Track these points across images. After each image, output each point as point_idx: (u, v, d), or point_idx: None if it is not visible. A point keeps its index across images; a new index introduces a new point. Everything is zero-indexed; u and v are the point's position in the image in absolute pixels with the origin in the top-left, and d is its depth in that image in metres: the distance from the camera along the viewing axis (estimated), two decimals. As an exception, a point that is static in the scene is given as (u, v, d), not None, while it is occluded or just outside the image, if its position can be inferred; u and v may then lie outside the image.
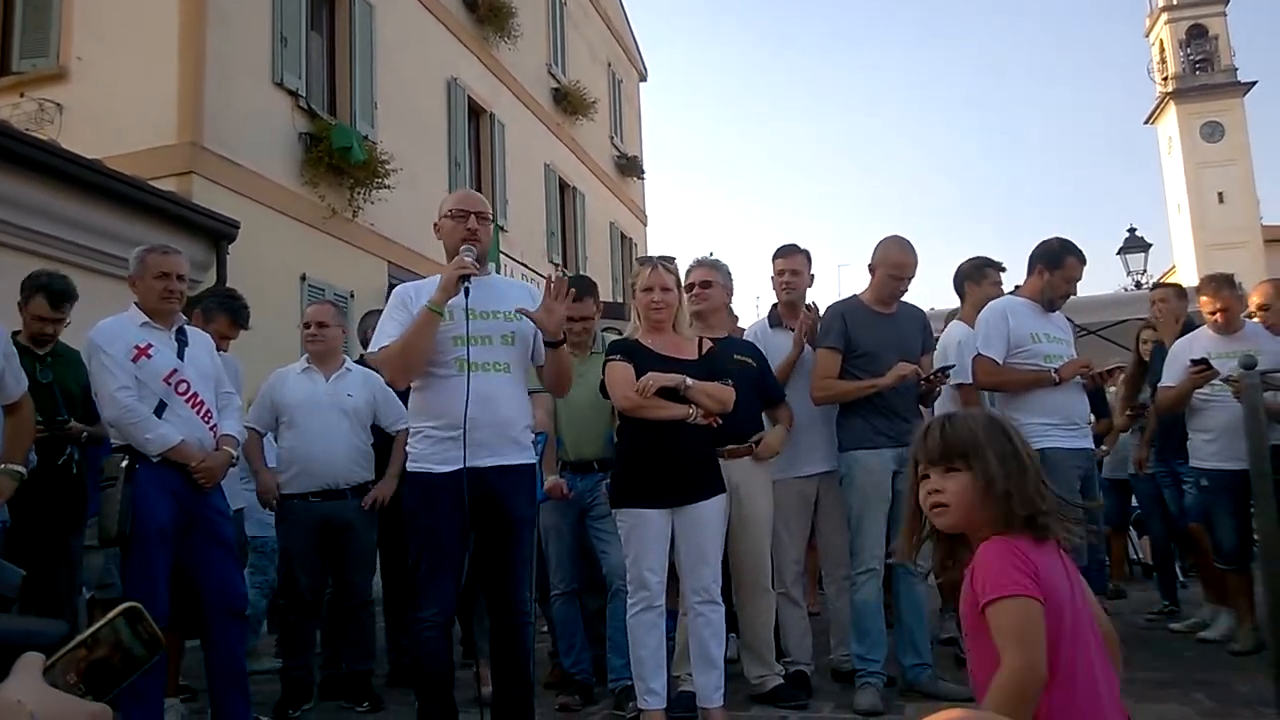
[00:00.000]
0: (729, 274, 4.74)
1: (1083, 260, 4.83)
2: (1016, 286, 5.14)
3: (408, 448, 3.57)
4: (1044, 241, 4.86)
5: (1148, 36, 43.71)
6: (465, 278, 3.34)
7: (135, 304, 4.04)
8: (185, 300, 4.18)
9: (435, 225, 3.65)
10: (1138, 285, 13.97)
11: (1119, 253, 14.66)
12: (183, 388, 3.95)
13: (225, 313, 4.70)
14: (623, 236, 19.28)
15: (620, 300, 16.51)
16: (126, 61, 8.52)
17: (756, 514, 4.43)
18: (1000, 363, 4.69)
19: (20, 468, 3.75)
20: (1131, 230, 14.79)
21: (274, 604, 5.47)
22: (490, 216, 3.68)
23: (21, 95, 8.73)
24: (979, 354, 4.73)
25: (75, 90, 8.66)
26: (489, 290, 3.50)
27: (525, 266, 12.62)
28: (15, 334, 4.36)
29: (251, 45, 9.16)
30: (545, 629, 5.17)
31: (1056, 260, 4.76)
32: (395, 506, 5.23)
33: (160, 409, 3.88)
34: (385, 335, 3.45)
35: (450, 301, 3.37)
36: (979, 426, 1.89)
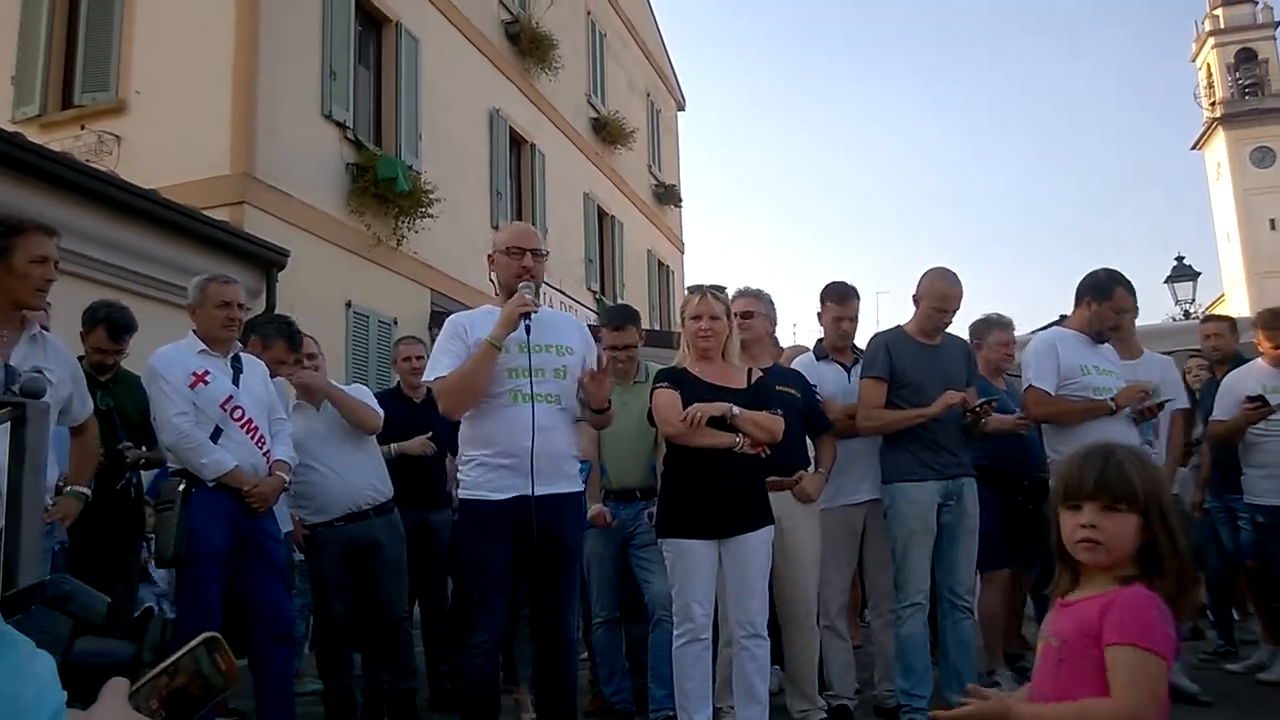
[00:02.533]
0: (771, 304, 4.76)
1: (1132, 291, 4.80)
2: (1062, 316, 5.13)
3: (460, 475, 3.64)
4: (1092, 272, 4.82)
5: (1194, 61, 43.29)
6: (526, 314, 3.42)
7: (193, 331, 4.14)
8: (242, 328, 4.28)
9: (489, 257, 3.73)
10: (1186, 315, 13.80)
11: (1166, 281, 14.49)
12: (238, 414, 4.04)
13: (283, 338, 4.78)
14: (660, 264, 19.35)
15: (658, 328, 16.58)
16: (182, 95, 8.74)
17: (800, 547, 4.40)
18: (1052, 394, 4.65)
19: (85, 490, 3.83)
20: (1179, 259, 14.59)
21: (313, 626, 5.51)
22: (545, 252, 3.74)
23: (82, 128, 8.98)
24: (1030, 385, 4.69)
25: (133, 123, 8.89)
26: (541, 324, 3.57)
27: (564, 294, 12.70)
28: (80, 359, 4.49)
29: (302, 79, 9.36)
30: (585, 657, 5.18)
31: (1105, 291, 4.71)
32: (429, 531, 5.31)
33: (216, 434, 3.98)
34: (441, 366, 3.52)
35: (512, 336, 3.45)
36: (1148, 470, 1.82)
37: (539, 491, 3.44)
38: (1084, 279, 4.82)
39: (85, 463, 3.82)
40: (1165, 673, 1.70)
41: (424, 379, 3.64)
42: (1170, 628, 1.71)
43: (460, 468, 3.64)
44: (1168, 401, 4.81)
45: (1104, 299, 4.71)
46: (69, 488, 3.71)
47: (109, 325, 4.52)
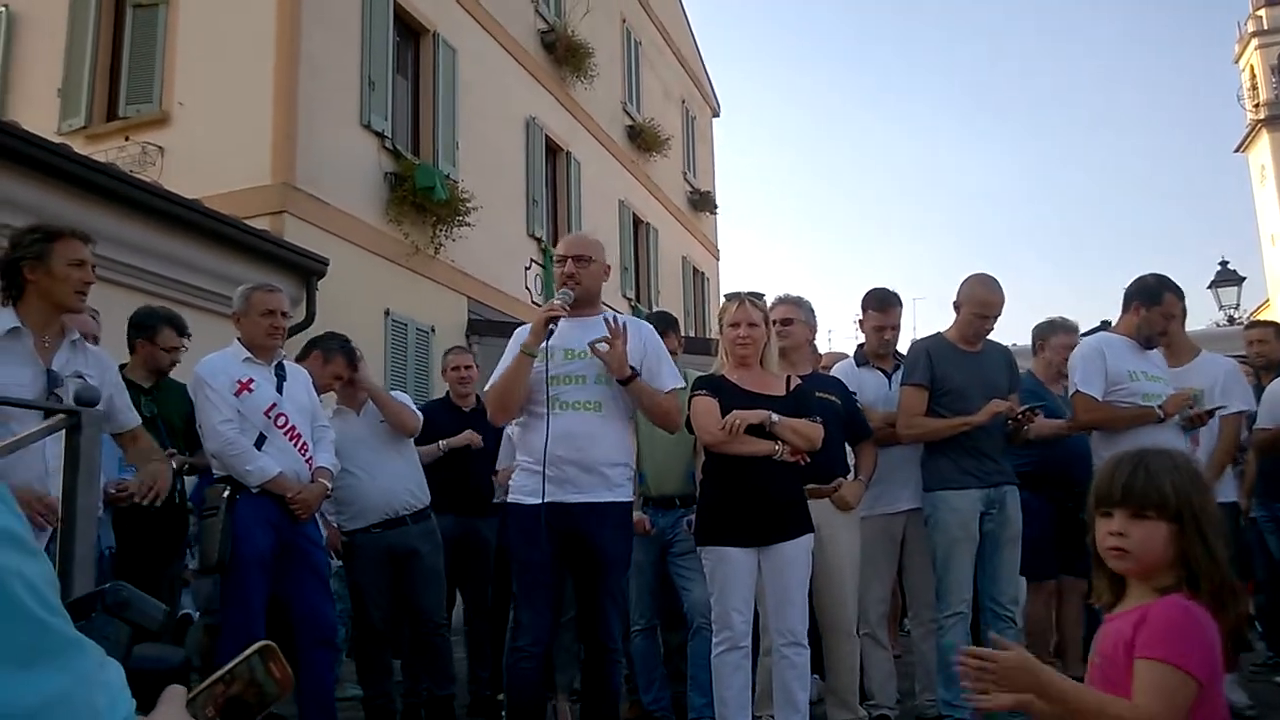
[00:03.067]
0: (811, 310, 4.74)
1: (1181, 297, 4.71)
2: (1105, 322, 5.06)
3: (510, 480, 3.69)
4: (1140, 278, 4.74)
5: (1237, 63, 42.63)
6: (552, 320, 3.44)
7: (238, 339, 4.20)
8: (285, 335, 4.34)
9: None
10: (1230, 321, 13.58)
11: (1210, 286, 14.24)
12: (281, 421, 4.09)
13: (343, 355, 4.85)
14: (695, 271, 19.33)
15: (693, 335, 16.56)
16: (224, 106, 8.85)
17: (840, 555, 4.38)
18: (1099, 399, 4.56)
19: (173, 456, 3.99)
20: (1223, 263, 14.34)
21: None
22: (590, 258, 3.75)
23: (127, 139, 9.12)
24: (1078, 390, 4.60)
25: (176, 134, 9.02)
26: (590, 330, 3.59)
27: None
28: (122, 367, 4.56)
29: (341, 89, 9.46)
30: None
31: (1154, 297, 4.63)
32: (477, 538, 5.34)
33: (260, 441, 4.03)
34: (495, 375, 3.61)
35: (548, 343, 3.47)
36: (1184, 476, 1.77)
37: (573, 499, 3.49)
38: (1132, 284, 4.74)
39: (149, 460, 3.74)
40: (1191, 688, 1.64)
41: (484, 389, 3.71)
42: (1208, 640, 1.67)
43: (514, 473, 3.71)
44: (1218, 409, 4.69)
45: (1153, 304, 4.63)
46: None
47: (175, 324, 4.62)
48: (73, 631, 0.71)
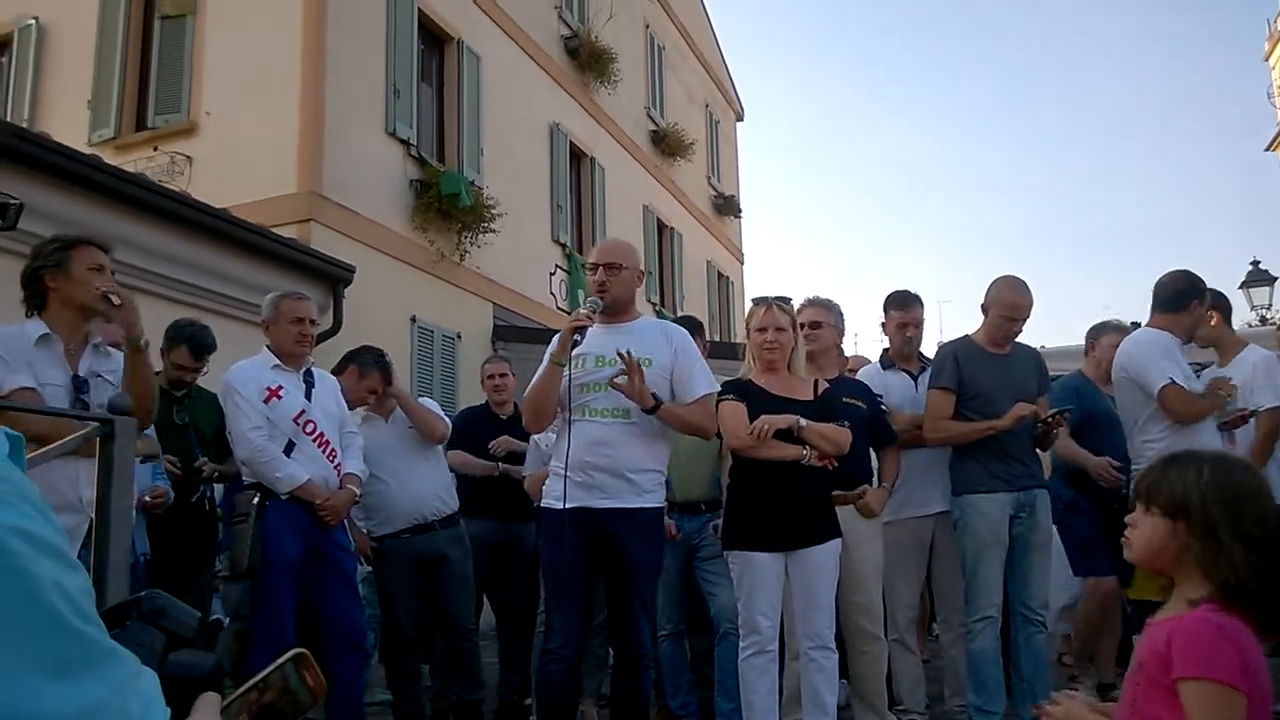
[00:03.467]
0: (840, 314, 4.72)
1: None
2: (1135, 324, 5.00)
3: (544, 486, 3.73)
4: (1190, 276, 4.57)
5: (1267, 60, 42.20)
6: (578, 329, 3.46)
7: (267, 347, 4.23)
8: (314, 344, 4.38)
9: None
10: (1262, 321, 13.42)
11: (1241, 287, 14.08)
12: (310, 428, 4.12)
13: (379, 370, 4.90)
14: (720, 275, 19.31)
15: (718, 339, 16.54)
16: (251, 115, 8.94)
17: (864, 560, 4.35)
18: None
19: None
20: (1255, 263, 14.17)
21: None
22: (621, 265, 3.76)
23: (155, 149, 9.23)
24: (1172, 382, 4.30)
25: (204, 143, 9.12)
26: (622, 336, 3.61)
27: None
28: (155, 374, 4.61)
29: (366, 98, 9.53)
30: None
31: (1203, 296, 4.52)
32: (515, 543, 5.36)
33: (289, 448, 4.07)
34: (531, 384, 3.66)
35: (579, 350, 3.48)
36: (1202, 480, 1.77)
37: (600, 504, 3.52)
38: (1184, 283, 4.54)
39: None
40: (1239, 701, 1.62)
41: (524, 396, 3.74)
42: (1240, 649, 1.65)
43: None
44: (1252, 411, 4.60)
45: (1202, 303, 4.52)
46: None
47: (192, 344, 4.64)
48: (108, 641, 0.72)
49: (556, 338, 3.76)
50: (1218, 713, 1.63)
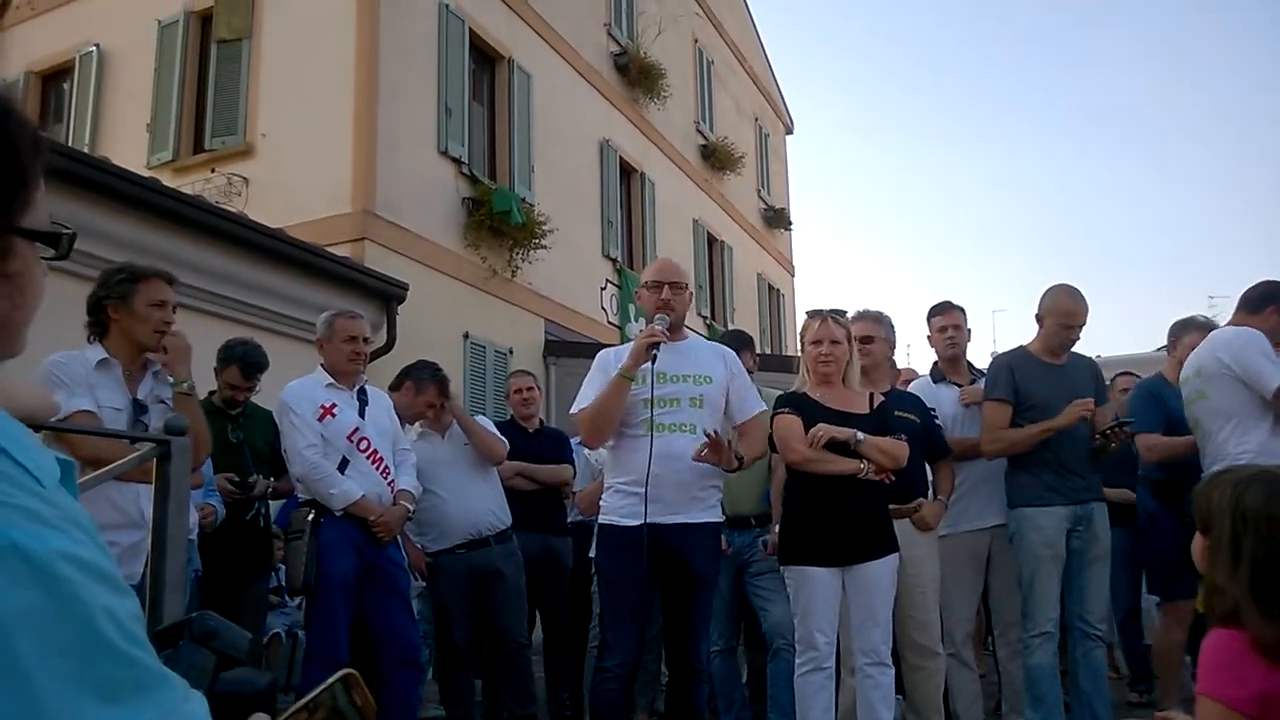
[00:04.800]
0: (891, 326, 4.68)
1: None
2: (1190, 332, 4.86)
3: (601, 501, 3.74)
4: (1275, 282, 4.37)
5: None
6: (654, 345, 3.47)
7: (321, 365, 4.29)
8: (367, 361, 4.43)
9: (636, 294, 3.83)
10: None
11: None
12: (364, 445, 4.17)
13: (435, 384, 4.95)
14: (770, 288, 19.24)
15: (769, 352, 16.47)
16: (306, 136, 9.10)
17: (921, 575, 4.31)
18: None
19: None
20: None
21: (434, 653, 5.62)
22: (684, 285, 3.79)
23: (212, 171, 9.42)
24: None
25: (260, 165, 9.29)
26: (680, 354, 3.64)
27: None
28: (210, 394, 4.69)
29: (419, 117, 9.64)
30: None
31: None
32: (553, 557, 5.37)
33: (343, 465, 4.11)
34: (585, 398, 3.66)
35: (643, 367, 3.49)
36: (1228, 495, 1.77)
37: (665, 520, 3.51)
38: (1267, 286, 4.35)
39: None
40: (1227, 717, 1.62)
41: (571, 411, 3.75)
42: (1241, 668, 1.64)
43: (604, 494, 3.74)
44: None
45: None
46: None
47: (243, 364, 4.71)
48: (158, 665, 0.73)
49: (609, 351, 3.79)
50: None
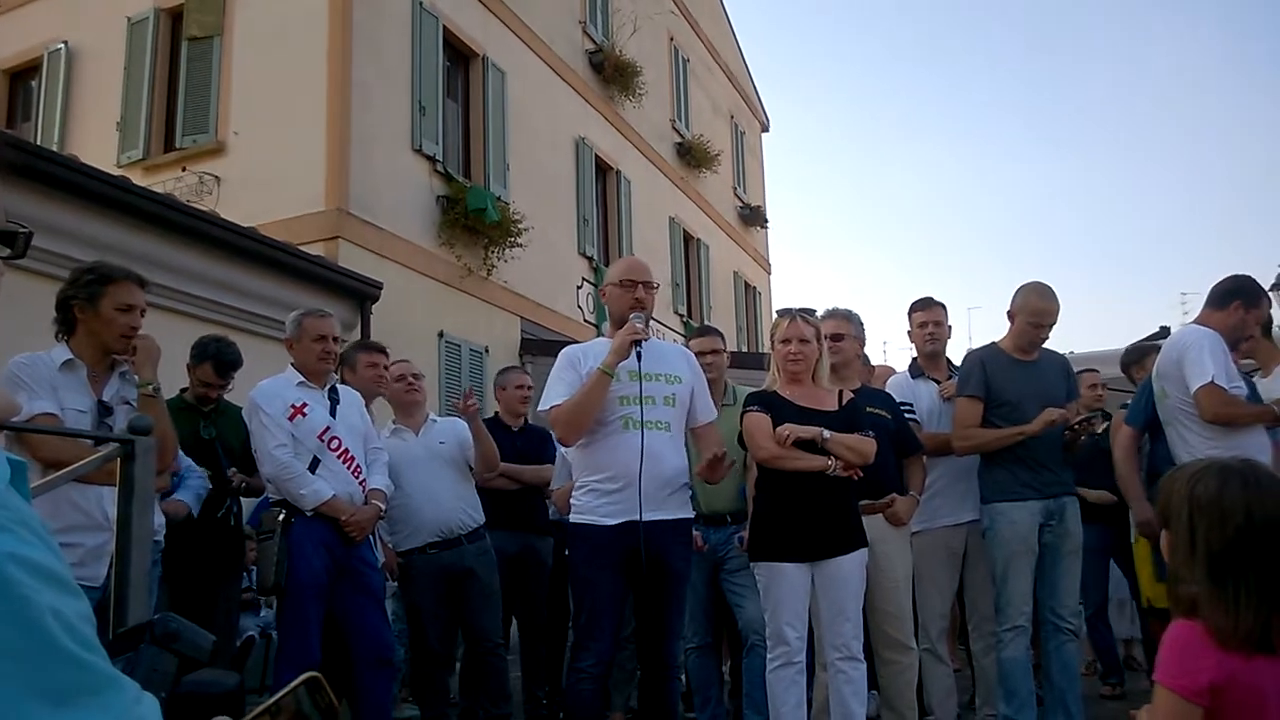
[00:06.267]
0: (861, 324, 4.70)
1: (1270, 304, 4.50)
2: (1164, 328, 4.93)
3: (572, 500, 3.71)
4: (1241, 277, 4.37)
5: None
6: (637, 343, 3.48)
7: (291, 365, 4.26)
8: (337, 360, 4.40)
9: (601, 291, 3.82)
10: (1294, 324, 13.20)
11: (1272, 289, 13.87)
12: (335, 444, 4.14)
13: (362, 350, 4.92)
14: (747, 286, 19.29)
15: (745, 350, 16.51)
16: (278, 135, 9.04)
17: (894, 570, 4.32)
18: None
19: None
20: (1286, 265, 13.97)
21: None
22: (655, 284, 3.82)
23: (184, 169, 9.35)
24: (1211, 382, 4.04)
25: (231, 163, 9.23)
26: (651, 353, 3.64)
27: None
28: (182, 391, 4.65)
29: (392, 115, 9.60)
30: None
31: (1256, 299, 4.30)
32: (533, 556, 5.35)
33: (314, 465, 4.08)
34: (555, 395, 3.62)
35: (623, 364, 3.52)
36: (1181, 489, 1.78)
37: (650, 517, 3.49)
38: (1231, 282, 4.35)
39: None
40: (1189, 709, 1.64)
41: (540, 408, 3.72)
42: (1195, 657, 1.66)
43: (574, 493, 3.71)
44: None
45: (1253, 307, 4.30)
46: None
47: (216, 361, 4.66)
48: (108, 668, 0.72)
49: (575, 348, 3.79)
50: (1160, 716, 1.68)
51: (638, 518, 3.48)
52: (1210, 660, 1.64)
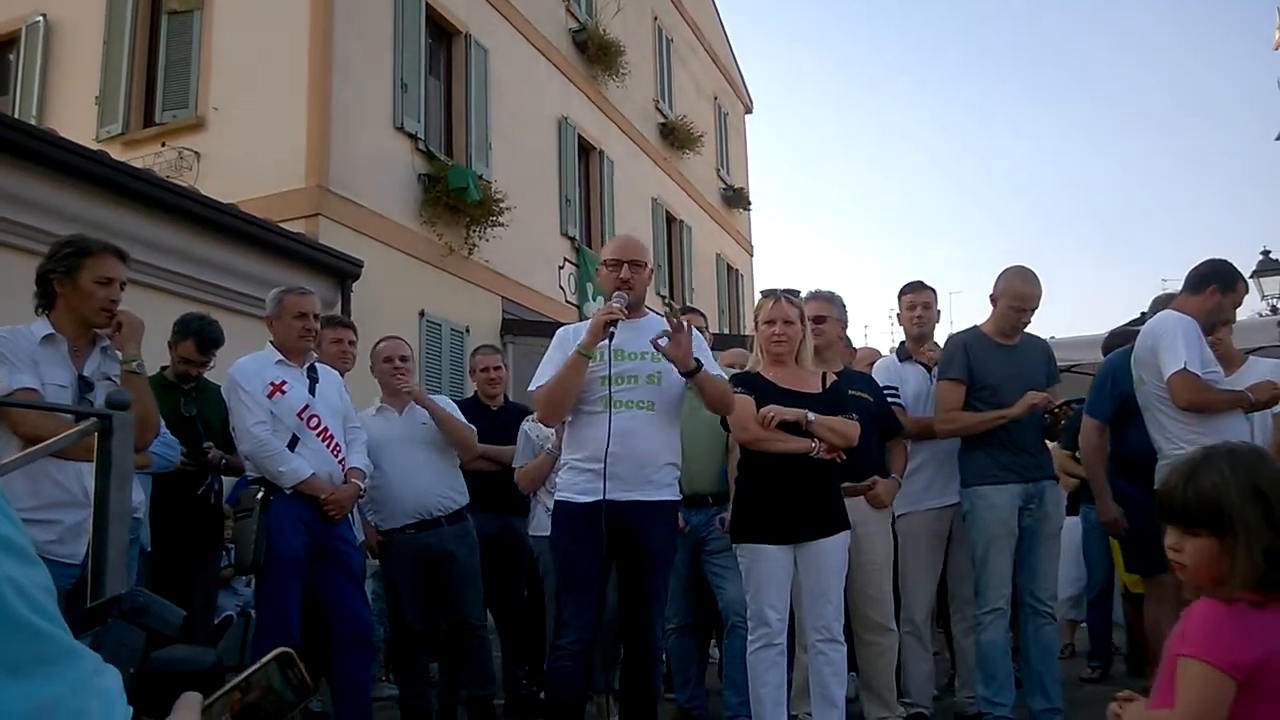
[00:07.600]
0: (843, 306, 4.70)
1: (1247, 289, 4.45)
2: (1143, 314, 4.94)
3: (557, 478, 3.73)
4: (1215, 261, 4.32)
5: (1277, 49, 41.94)
6: (612, 323, 3.45)
7: (271, 342, 4.23)
8: (317, 338, 4.36)
9: (596, 271, 3.81)
10: (1273, 310, 13.30)
11: (1252, 276, 13.96)
12: (314, 422, 4.12)
13: (329, 327, 4.91)
14: (729, 268, 19.29)
15: (727, 331, 16.51)
16: (258, 111, 8.94)
17: (874, 552, 4.35)
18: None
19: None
20: (1265, 252, 14.05)
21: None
22: (645, 262, 3.77)
23: (163, 145, 9.24)
24: (1184, 369, 3.98)
25: (212, 139, 9.13)
26: (639, 332, 3.60)
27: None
28: (163, 369, 4.61)
29: (374, 92, 9.52)
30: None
31: (1232, 283, 4.26)
32: (513, 537, 5.34)
33: (293, 443, 4.06)
34: (543, 375, 3.62)
35: (600, 344, 3.48)
36: (1232, 486, 1.72)
37: (622, 497, 3.49)
38: (1206, 266, 4.29)
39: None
40: (1225, 685, 1.62)
41: (529, 388, 3.71)
42: (1245, 634, 1.64)
43: (559, 471, 3.72)
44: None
45: (1229, 291, 4.25)
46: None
47: (199, 339, 4.62)
48: (67, 638, 0.70)
49: (569, 329, 3.77)
50: (1195, 690, 1.65)
51: (598, 498, 3.46)
52: (1255, 637, 1.64)
